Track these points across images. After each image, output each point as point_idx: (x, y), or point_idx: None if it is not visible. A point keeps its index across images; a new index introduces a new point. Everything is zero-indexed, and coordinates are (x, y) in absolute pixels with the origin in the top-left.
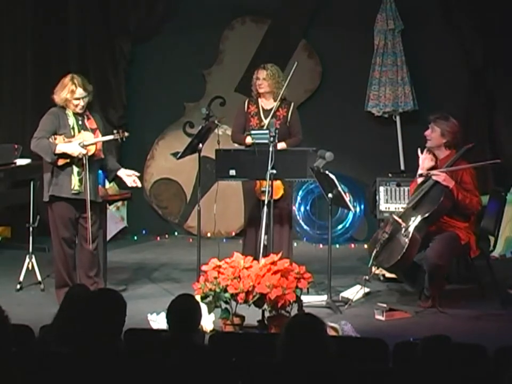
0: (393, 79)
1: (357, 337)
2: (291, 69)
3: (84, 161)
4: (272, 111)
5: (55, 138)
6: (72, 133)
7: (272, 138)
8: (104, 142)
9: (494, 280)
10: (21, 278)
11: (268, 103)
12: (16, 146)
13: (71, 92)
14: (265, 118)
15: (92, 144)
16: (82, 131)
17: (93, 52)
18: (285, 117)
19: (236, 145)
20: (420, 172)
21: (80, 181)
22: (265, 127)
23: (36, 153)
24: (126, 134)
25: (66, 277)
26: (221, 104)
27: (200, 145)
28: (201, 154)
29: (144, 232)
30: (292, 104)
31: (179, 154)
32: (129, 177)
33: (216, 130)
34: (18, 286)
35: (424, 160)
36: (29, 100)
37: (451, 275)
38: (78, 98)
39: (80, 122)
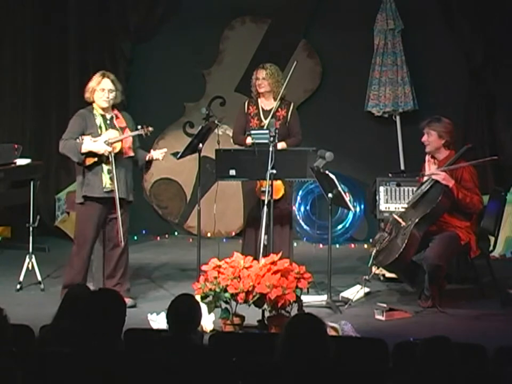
0: (393, 79)
1: (357, 337)
2: (291, 68)
3: (110, 159)
4: (272, 111)
5: (82, 139)
6: (100, 132)
7: (272, 138)
8: (134, 140)
9: (494, 280)
10: (21, 278)
11: (267, 103)
12: (16, 146)
13: (97, 82)
14: (265, 118)
15: (117, 141)
16: (109, 129)
17: (93, 52)
18: (284, 117)
19: (237, 146)
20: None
21: (111, 178)
22: (265, 127)
23: (63, 154)
24: (151, 128)
25: (81, 277)
26: (221, 104)
27: (200, 145)
28: (201, 154)
29: (144, 232)
30: (292, 105)
31: (179, 154)
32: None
33: (216, 130)
34: (18, 286)
35: (430, 165)
36: (29, 100)
37: (451, 275)
38: (103, 89)
39: (108, 122)
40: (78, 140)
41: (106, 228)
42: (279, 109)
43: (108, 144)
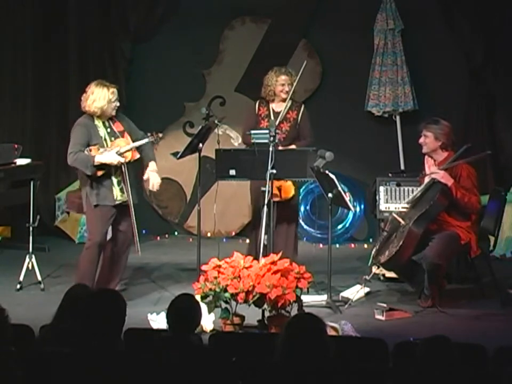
0: (393, 78)
1: (357, 337)
2: (298, 69)
3: (123, 169)
4: (283, 114)
5: (90, 150)
6: (105, 144)
7: (272, 138)
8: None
9: (494, 280)
10: (21, 278)
11: (278, 105)
12: (16, 146)
13: (112, 93)
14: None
15: (128, 150)
16: (115, 140)
17: (93, 52)
18: (295, 119)
19: (245, 146)
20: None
21: (121, 190)
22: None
23: (75, 167)
24: (160, 135)
25: (91, 279)
26: (221, 104)
27: (200, 145)
28: (201, 154)
29: (144, 232)
30: (302, 106)
31: (179, 154)
32: (150, 180)
33: (216, 130)
34: (18, 286)
35: (430, 166)
36: (29, 100)
37: (451, 275)
38: (117, 99)
39: (109, 130)
40: (86, 152)
41: (118, 231)
42: (290, 111)
43: (119, 154)
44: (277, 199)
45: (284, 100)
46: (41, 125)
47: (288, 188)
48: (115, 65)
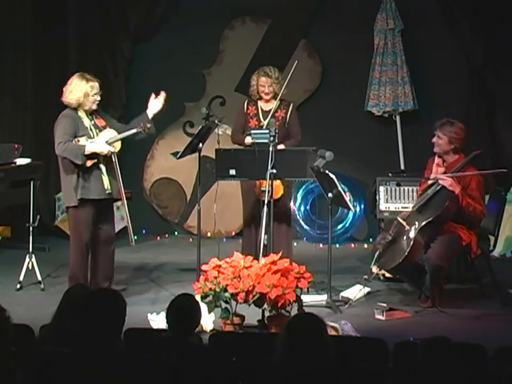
0: (393, 78)
1: (357, 337)
2: (291, 68)
3: (114, 159)
4: (272, 112)
5: (78, 141)
6: (92, 134)
7: (272, 138)
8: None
9: (494, 280)
10: (21, 278)
11: (267, 104)
12: (16, 146)
13: (90, 87)
14: (264, 119)
15: (117, 140)
16: (103, 130)
17: (93, 52)
18: (283, 118)
19: (236, 145)
20: (431, 176)
21: (110, 180)
22: (264, 127)
23: (64, 157)
24: (149, 125)
25: (82, 279)
26: (221, 104)
27: (200, 144)
28: (201, 154)
29: (144, 232)
30: (291, 105)
31: (179, 154)
32: (156, 101)
33: (216, 130)
34: (18, 286)
35: (438, 167)
36: (29, 100)
37: (451, 275)
38: (97, 93)
39: (93, 122)
40: (74, 142)
41: (99, 229)
42: (278, 110)
43: (109, 144)
44: (263, 198)
45: (269, 100)
46: (41, 125)
47: (277, 187)
48: (115, 65)
